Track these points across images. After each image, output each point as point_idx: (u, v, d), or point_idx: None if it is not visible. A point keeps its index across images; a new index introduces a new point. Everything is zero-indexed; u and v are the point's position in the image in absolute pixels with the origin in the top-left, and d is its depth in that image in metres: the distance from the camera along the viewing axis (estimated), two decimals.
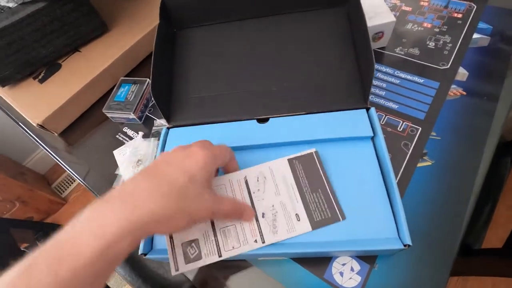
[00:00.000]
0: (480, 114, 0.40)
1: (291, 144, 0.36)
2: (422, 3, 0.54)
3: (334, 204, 0.31)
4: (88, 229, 0.20)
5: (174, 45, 0.47)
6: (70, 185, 1.46)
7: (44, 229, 0.60)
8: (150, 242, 0.33)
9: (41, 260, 0.19)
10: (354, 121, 0.36)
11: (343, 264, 0.32)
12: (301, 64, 0.42)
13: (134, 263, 0.65)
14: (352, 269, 0.32)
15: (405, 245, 0.28)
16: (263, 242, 0.30)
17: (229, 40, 0.46)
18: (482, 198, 0.51)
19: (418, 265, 0.32)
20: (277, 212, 0.31)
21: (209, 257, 0.29)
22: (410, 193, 0.36)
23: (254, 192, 0.32)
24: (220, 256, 0.29)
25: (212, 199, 0.26)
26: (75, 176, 0.47)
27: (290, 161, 0.34)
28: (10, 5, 0.47)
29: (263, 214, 0.31)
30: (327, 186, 0.32)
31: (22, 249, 0.51)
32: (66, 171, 0.47)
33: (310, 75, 0.41)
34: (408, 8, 0.53)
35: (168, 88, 0.43)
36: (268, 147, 0.36)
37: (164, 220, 0.22)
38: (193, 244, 0.30)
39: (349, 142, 0.35)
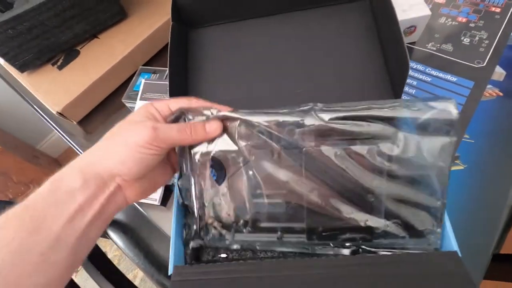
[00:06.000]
0: None
1: None
2: None
3: None
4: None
5: (187, 46, 0.45)
6: None
7: None
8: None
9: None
10: None
11: None
12: (323, 63, 0.40)
13: (148, 252, 0.66)
14: None
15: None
16: None
17: (245, 40, 0.44)
18: None
19: None
20: None
21: None
22: None
23: None
24: None
25: (150, 120, 0.25)
26: None
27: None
28: None
29: None
30: None
31: None
32: (78, 155, 0.46)
33: (334, 74, 0.39)
34: (441, 1, 0.50)
35: (184, 90, 0.41)
36: None
37: (100, 155, 0.24)
38: None
39: None
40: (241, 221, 0.29)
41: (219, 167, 0.28)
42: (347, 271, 0.23)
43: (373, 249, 0.27)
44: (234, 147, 0.27)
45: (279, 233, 0.28)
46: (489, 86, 0.41)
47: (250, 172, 0.27)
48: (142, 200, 0.41)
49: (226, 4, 0.43)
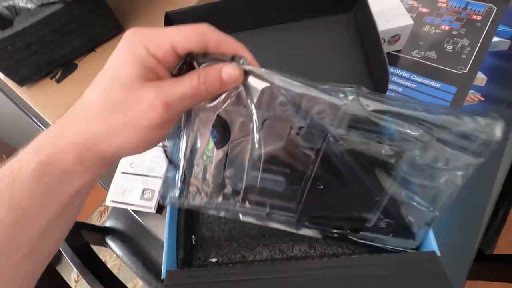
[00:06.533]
0: None
1: None
2: (440, 4, 0.53)
3: None
4: (27, 153, 0.19)
5: None
6: None
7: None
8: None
9: None
10: None
11: None
12: (310, 71, 0.42)
13: (146, 260, 0.66)
14: None
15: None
16: None
17: None
18: (498, 204, 0.50)
19: None
20: None
21: None
22: None
23: None
24: None
25: (154, 89, 0.18)
26: None
27: None
28: (29, 6, 0.48)
29: None
30: None
31: None
32: None
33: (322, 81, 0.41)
34: (425, 10, 0.52)
35: None
36: None
37: (103, 138, 0.19)
38: None
39: None
40: (230, 190, 0.27)
41: (224, 129, 0.24)
42: (332, 273, 0.25)
43: (356, 239, 0.28)
44: (248, 110, 0.22)
45: (268, 208, 0.27)
46: (471, 91, 0.42)
47: (258, 143, 0.24)
48: (138, 209, 0.43)
49: (216, 18, 0.45)
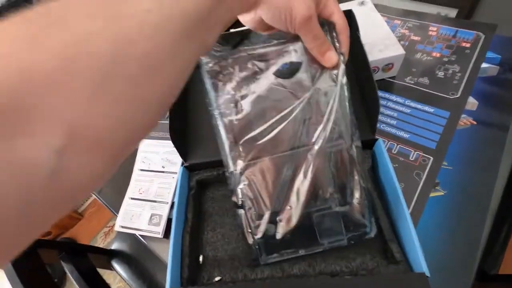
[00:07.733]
0: (491, 143, 0.42)
1: None
2: (430, 32, 0.56)
3: None
4: None
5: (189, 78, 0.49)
6: (86, 200, 1.50)
7: (67, 249, 0.63)
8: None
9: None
10: None
11: None
12: None
13: (151, 283, 0.67)
14: None
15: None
16: None
17: None
18: (498, 224, 0.51)
19: None
20: None
21: None
22: (424, 222, 0.37)
23: None
24: None
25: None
26: (100, 200, 0.50)
27: None
28: None
29: None
30: None
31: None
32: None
33: None
34: (417, 38, 0.55)
35: (184, 123, 0.43)
36: None
37: None
38: None
39: None
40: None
41: (295, 68, 0.29)
42: None
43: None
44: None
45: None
46: (463, 115, 0.45)
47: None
48: (146, 234, 0.44)
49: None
